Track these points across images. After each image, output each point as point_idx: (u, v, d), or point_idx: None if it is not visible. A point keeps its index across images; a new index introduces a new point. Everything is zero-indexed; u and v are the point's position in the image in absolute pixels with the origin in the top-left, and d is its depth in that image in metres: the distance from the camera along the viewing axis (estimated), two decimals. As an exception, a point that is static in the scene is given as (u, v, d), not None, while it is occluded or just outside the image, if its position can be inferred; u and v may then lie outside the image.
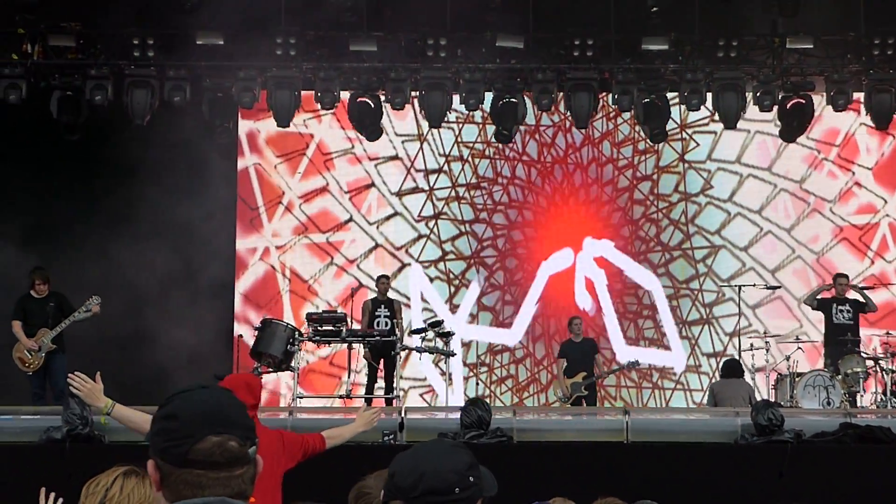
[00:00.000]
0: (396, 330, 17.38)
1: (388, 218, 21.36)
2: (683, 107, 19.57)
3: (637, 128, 20.88)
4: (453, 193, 21.38)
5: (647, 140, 20.44)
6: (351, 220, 21.26)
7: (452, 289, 21.24)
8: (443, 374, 18.58)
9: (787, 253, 21.18)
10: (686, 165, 21.40)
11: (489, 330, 21.13)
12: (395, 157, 21.06)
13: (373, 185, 21.12)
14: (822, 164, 21.20)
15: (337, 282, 21.09)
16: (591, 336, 19.61)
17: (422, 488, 3.32)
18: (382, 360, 17.60)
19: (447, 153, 21.38)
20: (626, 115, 20.49)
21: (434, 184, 21.37)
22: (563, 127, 21.20)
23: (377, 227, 21.30)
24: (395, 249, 21.31)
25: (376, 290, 18.43)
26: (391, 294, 18.85)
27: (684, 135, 21.39)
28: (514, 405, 19.87)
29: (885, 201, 21.09)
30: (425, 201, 21.37)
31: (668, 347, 21.17)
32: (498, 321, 21.15)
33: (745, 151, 21.38)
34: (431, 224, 21.36)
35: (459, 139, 21.37)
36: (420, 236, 21.36)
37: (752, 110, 19.41)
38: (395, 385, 17.30)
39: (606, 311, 21.11)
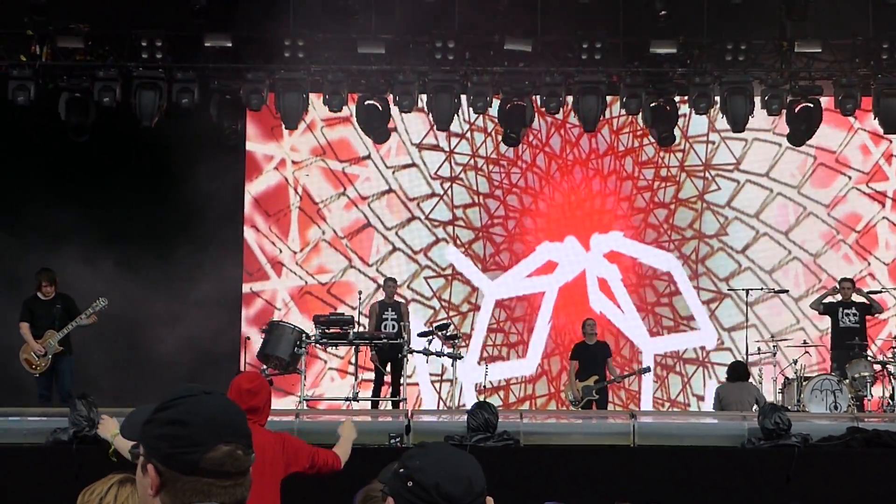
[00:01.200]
0: (404, 333, 17.37)
1: (405, 167, 21.28)
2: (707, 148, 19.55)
3: (661, 153, 20.98)
4: (472, 162, 21.30)
5: (669, 168, 20.55)
6: (369, 157, 21.17)
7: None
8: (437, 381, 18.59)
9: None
10: (704, 205, 21.36)
11: (502, 366, 20.94)
12: (421, 110, 20.25)
13: (395, 130, 20.77)
14: (839, 245, 21.10)
15: (346, 213, 21.14)
16: (611, 336, 19.61)
17: (476, 491, 3.31)
18: (389, 363, 17.60)
19: (472, 121, 21.31)
20: (653, 139, 20.26)
21: (455, 147, 21.27)
22: (556, 123, 21.11)
23: (393, 173, 21.22)
24: (407, 199, 21.29)
25: (384, 292, 18.42)
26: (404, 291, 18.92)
27: (707, 175, 21.39)
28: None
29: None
30: (444, 161, 21.25)
31: (694, 328, 21.15)
32: (508, 341, 21.14)
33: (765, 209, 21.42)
34: (446, 185, 21.31)
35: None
36: (433, 194, 21.28)
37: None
38: (400, 387, 17.30)
39: (626, 307, 21.08)
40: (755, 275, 20.51)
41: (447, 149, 21.14)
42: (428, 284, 21.24)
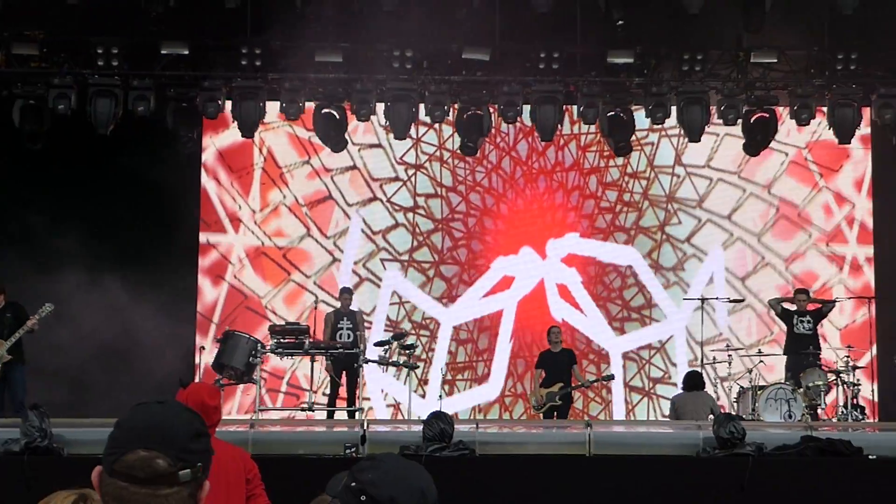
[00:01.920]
0: (359, 342, 17.36)
1: (371, 146, 21.18)
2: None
3: (626, 178, 21.19)
4: (438, 153, 21.23)
5: (633, 193, 20.97)
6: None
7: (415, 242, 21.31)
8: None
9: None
10: (664, 236, 21.40)
11: (464, 396, 20.91)
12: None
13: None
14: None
15: (308, 182, 21.14)
16: (580, 342, 19.62)
17: (430, 502, 3.29)
18: (345, 372, 17.57)
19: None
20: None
21: (422, 135, 21.21)
22: (524, 130, 21.16)
23: (359, 150, 21.13)
24: (370, 179, 21.27)
25: (339, 302, 18.39)
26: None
27: (670, 207, 21.43)
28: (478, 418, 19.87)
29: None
30: (410, 148, 21.20)
31: (657, 319, 21.23)
32: (470, 364, 21.12)
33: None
34: (411, 172, 21.31)
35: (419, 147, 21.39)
36: (397, 178, 21.25)
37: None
38: (356, 397, 17.28)
39: (588, 309, 21.10)
40: (709, 316, 20.07)
41: (415, 136, 20.98)
42: (383, 266, 21.22)
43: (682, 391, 17.82)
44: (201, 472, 2.97)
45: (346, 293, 18.48)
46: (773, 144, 20.44)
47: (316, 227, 21.12)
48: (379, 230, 21.26)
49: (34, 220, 18.41)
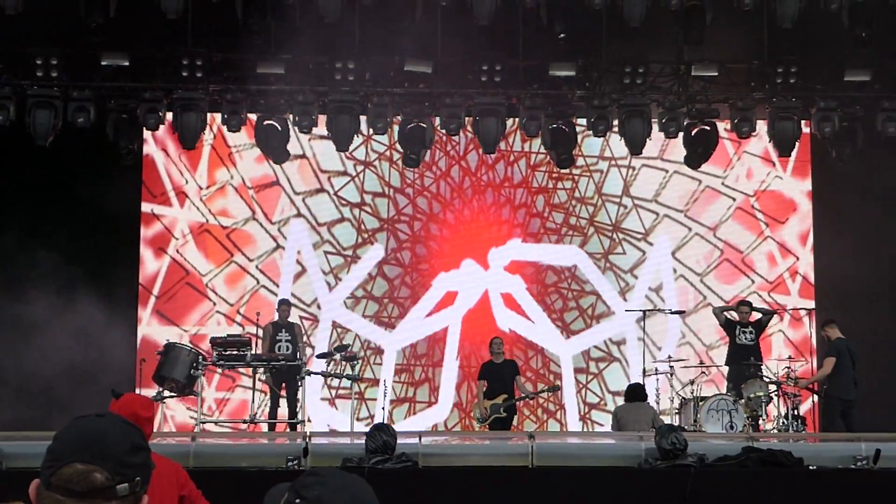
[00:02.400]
0: (299, 354, 17.32)
1: (321, 137, 20.51)
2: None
3: (573, 201, 21.27)
4: (388, 153, 21.14)
5: (579, 218, 21.07)
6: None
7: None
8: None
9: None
10: (608, 264, 21.46)
11: (413, 420, 20.66)
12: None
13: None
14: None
15: (256, 166, 21.00)
16: (522, 351, 19.62)
17: None
18: (284, 384, 17.51)
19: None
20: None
21: (374, 133, 20.89)
22: (475, 141, 21.17)
23: (309, 140, 20.85)
24: (318, 170, 21.19)
25: (278, 313, 18.33)
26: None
27: (615, 237, 21.46)
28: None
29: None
30: (361, 144, 20.96)
31: (607, 315, 21.26)
32: (414, 380, 21.06)
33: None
34: (360, 168, 21.26)
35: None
36: (346, 172, 21.22)
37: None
38: (298, 410, 17.21)
39: (535, 316, 21.10)
40: (648, 350, 19.93)
41: (366, 133, 20.82)
42: (326, 259, 21.14)
43: (623, 403, 17.87)
44: (140, 486, 2.94)
45: (285, 305, 18.42)
46: (721, 188, 20.71)
47: (262, 211, 21.04)
48: (324, 222, 21.19)
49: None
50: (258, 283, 20.18)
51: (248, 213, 21.01)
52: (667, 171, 21.30)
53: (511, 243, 21.21)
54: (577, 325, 21.29)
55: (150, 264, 20.70)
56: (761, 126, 19.66)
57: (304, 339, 18.75)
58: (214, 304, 20.72)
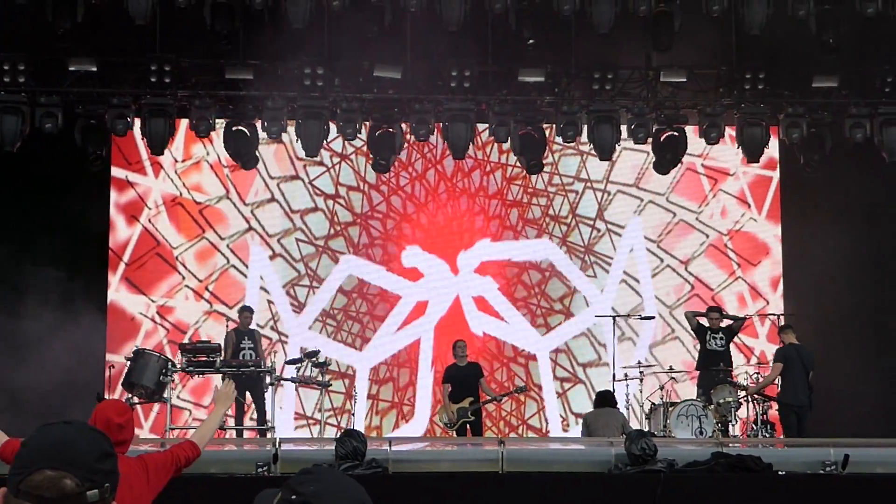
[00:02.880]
0: (263, 361, 17.30)
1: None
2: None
3: (547, 219, 21.34)
4: (364, 148, 20.74)
5: (552, 236, 21.16)
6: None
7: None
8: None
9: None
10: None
11: (394, 437, 20.01)
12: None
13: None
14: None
15: None
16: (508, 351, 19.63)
17: None
18: (249, 391, 17.49)
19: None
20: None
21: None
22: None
23: (286, 126, 20.21)
24: (294, 157, 21.13)
25: (238, 320, 18.31)
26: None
27: (587, 259, 21.51)
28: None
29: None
30: (337, 136, 20.42)
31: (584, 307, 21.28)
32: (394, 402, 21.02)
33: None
34: (336, 160, 21.33)
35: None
36: (321, 163, 21.13)
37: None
38: (266, 415, 17.18)
39: (509, 316, 21.09)
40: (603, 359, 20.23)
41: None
42: (297, 247, 21.14)
43: (593, 409, 17.88)
44: (109, 492, 2.96)
45: (247, 311, 18.40)
46: (695, 223, 20.92)
47: (235, 191, 20.99)
48: (298, 210, 21.16)
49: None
50: (228, 262, 20.24)
51: (222, 191, 21.01)
52: (642, 200, 21.40)
53: (479, 245, 21.22)
54: (553, 320, 21.32)
55: (122, 231, 20.66)
56: (734, 151, 19.71)
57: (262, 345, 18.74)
58: (184, 277, 20.74)
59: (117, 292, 20.59)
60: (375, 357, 21.07)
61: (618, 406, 17.69)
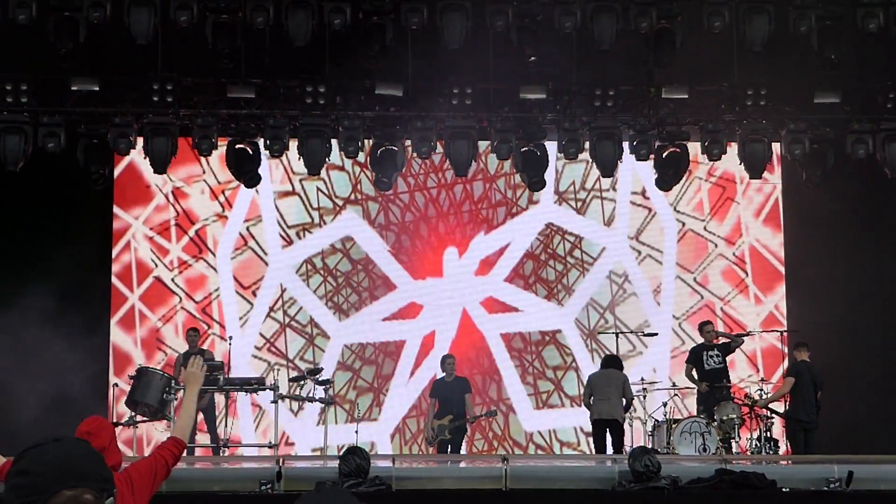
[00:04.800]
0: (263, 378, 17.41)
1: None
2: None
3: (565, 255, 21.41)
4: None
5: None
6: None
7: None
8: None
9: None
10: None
11: (346, 427, 20.09)
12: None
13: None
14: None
15: None
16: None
17: None
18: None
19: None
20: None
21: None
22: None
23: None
24: (291, 172, 21.31)
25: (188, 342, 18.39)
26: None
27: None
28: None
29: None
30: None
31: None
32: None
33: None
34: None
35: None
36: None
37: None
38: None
39: (524, 303, 21.17)
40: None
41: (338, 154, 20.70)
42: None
43: (598, 370, 18.31)
44: (115, 496, 3.04)
45: (194, 332, 18.52)
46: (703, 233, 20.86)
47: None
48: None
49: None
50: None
51: (220, 209, 21.21)
52: (650, 209, 21.65)
53: (474, 242, 21.29)
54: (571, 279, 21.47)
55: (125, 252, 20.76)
56: (733, 156, 19.73)
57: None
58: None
59: (118, 315, 20.64)
60: (353, 336, 21.15)
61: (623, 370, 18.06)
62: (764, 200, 21.62)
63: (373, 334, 21.21)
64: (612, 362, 18.19)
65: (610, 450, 17.34)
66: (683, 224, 21.57)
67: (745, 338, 19.22)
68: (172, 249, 20.96)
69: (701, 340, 18.74)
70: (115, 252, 20.79)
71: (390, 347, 21.17)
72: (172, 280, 20.87)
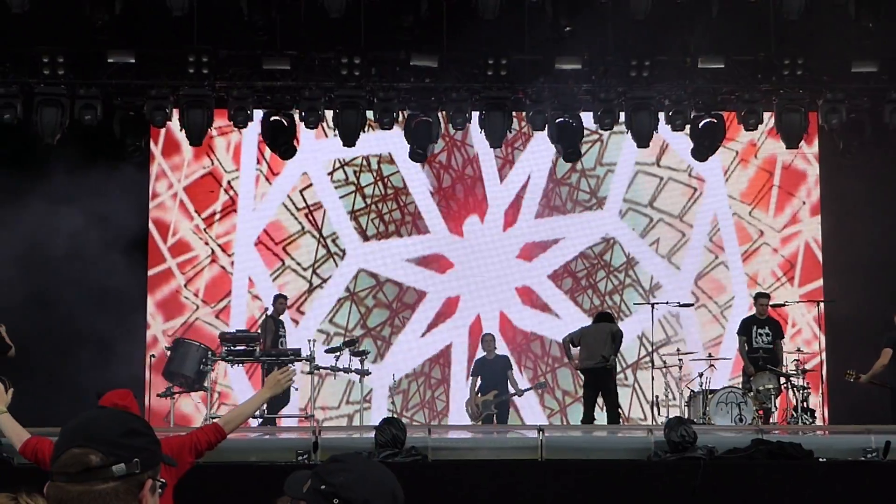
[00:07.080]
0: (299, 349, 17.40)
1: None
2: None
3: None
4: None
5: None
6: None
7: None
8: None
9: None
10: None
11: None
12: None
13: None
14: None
15: None
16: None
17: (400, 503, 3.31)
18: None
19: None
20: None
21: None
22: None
23: None
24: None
25: (274, 308, 18.38)
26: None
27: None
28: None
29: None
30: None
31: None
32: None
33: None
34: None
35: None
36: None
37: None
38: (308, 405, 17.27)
39: (561, 308, 21.09)
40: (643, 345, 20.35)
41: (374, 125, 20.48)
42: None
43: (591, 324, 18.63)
44: (139, 467, 3.00)
45: (282, 299, 18.53)
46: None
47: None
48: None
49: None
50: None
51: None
52: (662, 178, 21.49)
53: (521, 221, 21.25)
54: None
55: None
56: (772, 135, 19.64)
57: None
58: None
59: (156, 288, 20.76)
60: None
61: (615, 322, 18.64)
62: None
63: (394, 271, 21.13)
64: (603, 317, 18.67)
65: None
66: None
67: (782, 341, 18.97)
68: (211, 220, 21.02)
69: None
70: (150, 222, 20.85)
71: (410, 294, 21.11)
72: (205, 240, 20.92)
